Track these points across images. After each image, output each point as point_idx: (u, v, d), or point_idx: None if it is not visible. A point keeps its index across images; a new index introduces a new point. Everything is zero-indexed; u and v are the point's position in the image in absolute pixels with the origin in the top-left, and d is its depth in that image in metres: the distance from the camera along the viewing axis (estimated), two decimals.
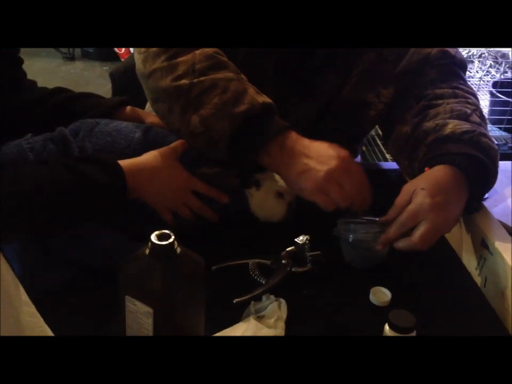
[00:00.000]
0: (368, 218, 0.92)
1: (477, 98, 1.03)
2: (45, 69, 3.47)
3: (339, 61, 1.02)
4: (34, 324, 0.56)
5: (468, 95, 1.01)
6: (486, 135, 0.92)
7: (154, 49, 0.91)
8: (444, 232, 0.89)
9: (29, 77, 1.03)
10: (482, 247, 0.91)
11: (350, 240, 0.89)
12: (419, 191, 0.84)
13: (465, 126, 0.92)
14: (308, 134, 0.91)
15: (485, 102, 1.98)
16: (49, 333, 0.60)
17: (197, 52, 0.89)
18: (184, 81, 0.88)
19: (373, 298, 0.85)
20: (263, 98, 0.89)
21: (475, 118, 0.96)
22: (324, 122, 1.06)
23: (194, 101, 0.87)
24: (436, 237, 0.84)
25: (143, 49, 0.92)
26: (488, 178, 0.89)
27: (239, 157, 0.88)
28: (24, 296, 0.56)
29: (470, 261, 0.94)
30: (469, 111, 0.96)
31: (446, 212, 0.83)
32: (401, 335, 0.71)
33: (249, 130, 0.86)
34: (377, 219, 0.89)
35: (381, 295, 0.85)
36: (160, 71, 0.90)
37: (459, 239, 0.97)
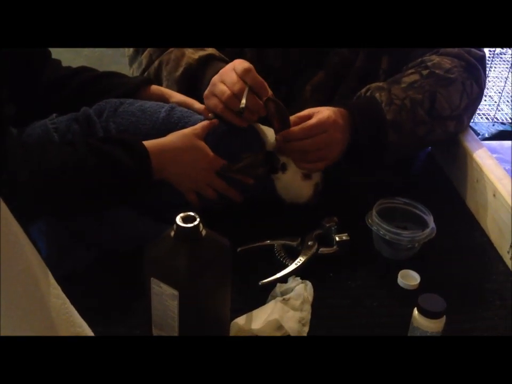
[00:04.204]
0: (405, 200, 0.90)
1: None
2: (70, 48, 3.47)
3: None
4: (61, 305, 0.56)
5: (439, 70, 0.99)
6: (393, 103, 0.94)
7: (132, 50, 1.09)
8: (330, 148, 0.92)
9: (54, 56, 1.02)
10: None
11: (383, 236, 0.87)
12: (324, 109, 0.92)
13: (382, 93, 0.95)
14: (321, 104, 0.96)
15: None
16: (75, 313, 0.60)
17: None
18: (148, 71, 1.05)
19: (401, 281, 0.83)
20: (200, 53, 0.98)
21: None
22: (337, 91, 1.06)
23: (157, 82, 1.02)
24: (318, 143, 0.90)
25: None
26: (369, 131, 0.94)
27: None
28: (51, 278, 0.56)
29: (501, 244, 0.92)
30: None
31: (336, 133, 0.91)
32: (430, 320, 0.69)
33: (194, 85, 0.99)
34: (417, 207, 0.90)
35: (409, 278, 0.83)
36: (137, 69, 1.08)
37: (490, 220, 0.95)
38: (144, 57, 1.06)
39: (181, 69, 0.99)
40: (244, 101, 0.85)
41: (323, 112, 0.91)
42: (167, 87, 1.01)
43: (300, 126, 0.89)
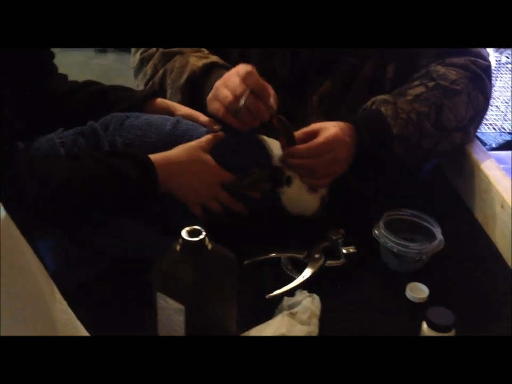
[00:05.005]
0: (413, 212, 0.90)
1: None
2: (77, 61, 3.50)
3: None
4: (67, 321, 0.56)
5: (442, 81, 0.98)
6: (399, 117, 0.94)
7: (137, 61, 1.09)
8: (336, 165, 0.92)
9: (61, 70, 1.03)
10: None
11: (390, 248, 0.86)
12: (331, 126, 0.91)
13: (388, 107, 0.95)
14: (328, 113, 0.97)
15: None
16: (81, 329, 0.60)
17: (156, 54, 1.06)
18: (152, 81, 1.06)
19: (409, 294, 0.82)
20: (204, 61, 0.99)
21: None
22: (343, 100, 1.06)
23: (161, 91, 1.03)
24: (325, 162, 0.90)
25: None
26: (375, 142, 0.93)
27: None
28: (57, 294, 0.56)
29: (511, 255, 0.91)
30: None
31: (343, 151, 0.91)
32: (439, 334, 0.69)
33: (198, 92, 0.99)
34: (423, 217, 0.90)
35: (418, 291, 0.83)
36: (141, 80, 1.09)
37: (499, 232, 0.94)
38: (149, 67, 1.07)
39: (184, 76, 1.00)
40: (242, 101, 0.85)
41: (330, 130, 0.90)
42: (171, 95, 1.02)
43: (307, 145, 0.89)
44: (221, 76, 0.93)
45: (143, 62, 1.08)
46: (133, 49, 1.13)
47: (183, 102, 1.00)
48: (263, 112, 0.87)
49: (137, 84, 1.12)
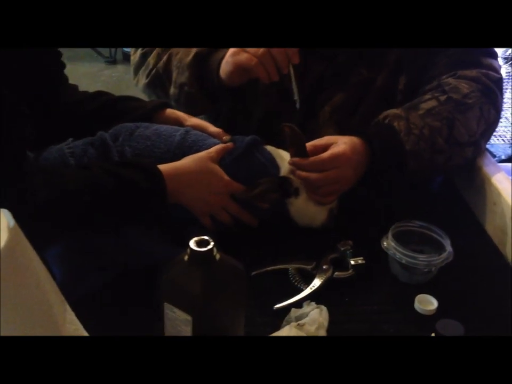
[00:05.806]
0: (422, 224, 0.89)
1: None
2: (87, 73, 3.54)
3: (369, 54, 1.03)
4: (74, 331, 0.56)
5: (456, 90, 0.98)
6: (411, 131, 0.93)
7: (138, 57, 1.13)
8: (340, 183, 0.92)
9: (71, 81, 1.04)
10: None
11: (399, 260, 0.85)
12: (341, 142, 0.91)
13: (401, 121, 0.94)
14: (339, 124, 0.97)
15: None
16: None
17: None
18: (156, 68, 1.09)
19: (418, 306, 0.82)
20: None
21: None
22: (355, 112, 1.06)
23: (165, 76, 1.06)
24: (332, 177, 0.89)
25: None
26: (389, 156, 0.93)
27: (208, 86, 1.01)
28: (65, 304, 0.56)
29: None
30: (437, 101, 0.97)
31: (351, 166, 0.91)
32: None
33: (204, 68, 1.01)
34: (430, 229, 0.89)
35: (426, 303, 0.82)
36: (143, 73, 1.12)
37: (509, 244, 0.93)
38: (151, 58, 1.09)
39: (192, 54, 1.01)
40: (295, 92, 0.92)
41: (339, 146, 0.89)
42: (178, 74, 1.03)
43: (312, 159, 0.89)
44: (227, 51, 0.95)
45: (145, 56, 1.11)
46: (132, 49, 1.16)
47: (191, 79, 1.02)
48: (284, 63, 0.90)
49: (137, 80, 1.14)
